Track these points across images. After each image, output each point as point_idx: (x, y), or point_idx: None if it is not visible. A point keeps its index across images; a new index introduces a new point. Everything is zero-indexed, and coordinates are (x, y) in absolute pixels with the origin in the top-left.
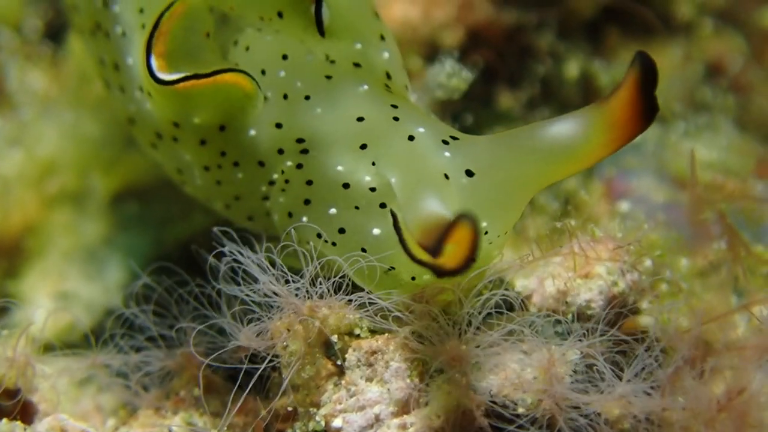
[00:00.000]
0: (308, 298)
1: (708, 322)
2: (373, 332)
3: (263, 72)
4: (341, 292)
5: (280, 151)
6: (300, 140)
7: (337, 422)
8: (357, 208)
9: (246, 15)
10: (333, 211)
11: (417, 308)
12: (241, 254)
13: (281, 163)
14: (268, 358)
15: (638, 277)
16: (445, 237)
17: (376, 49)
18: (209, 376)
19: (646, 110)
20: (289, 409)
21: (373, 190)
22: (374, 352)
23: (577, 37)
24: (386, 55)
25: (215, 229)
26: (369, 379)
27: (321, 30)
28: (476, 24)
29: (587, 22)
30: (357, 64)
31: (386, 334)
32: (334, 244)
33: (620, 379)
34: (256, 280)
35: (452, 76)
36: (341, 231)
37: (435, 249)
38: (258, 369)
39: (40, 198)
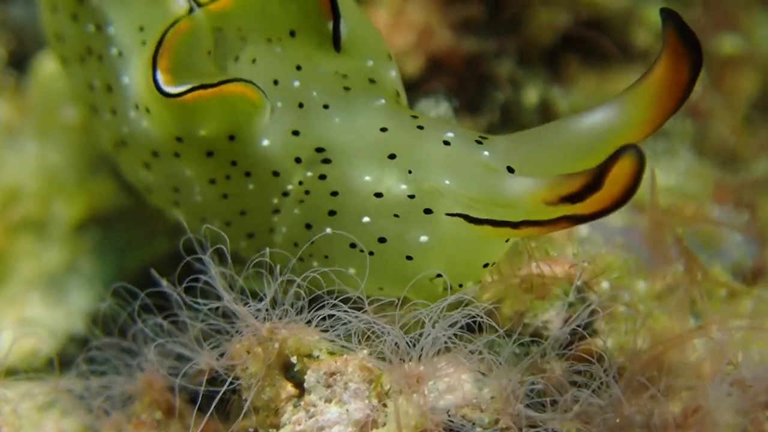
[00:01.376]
0: (268, 319)
1: (665, 343)
2: (332, 353)
3: (275, 82)
4: (302, 313)
5: (298, 160)
6: (320, 149)
7: None
8: (396, 216)
9: (252, 36)
10: (366, 219)
11: (377, 329)
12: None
13: (299, 173)
14: (229, 380)
15: (596, 299)
16: (604, 171)
17: (385, 67)
18: (170, 399)
19: (693, 66)
20: (250, 430)
21: (411, 197)
22: (333, 374)
23: (536, 64)
24: (393, 74)
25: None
26: (328, 400)
27: (338, 46)
28: (436, 51)
29: (546, 50)
30: (372, 80)
31: (345, 356)
32: (371, 253)
33: (577, 398)
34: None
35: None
36: (381, 240)
37: (593, 184)
38: (219, 391)
39: (3, 225)
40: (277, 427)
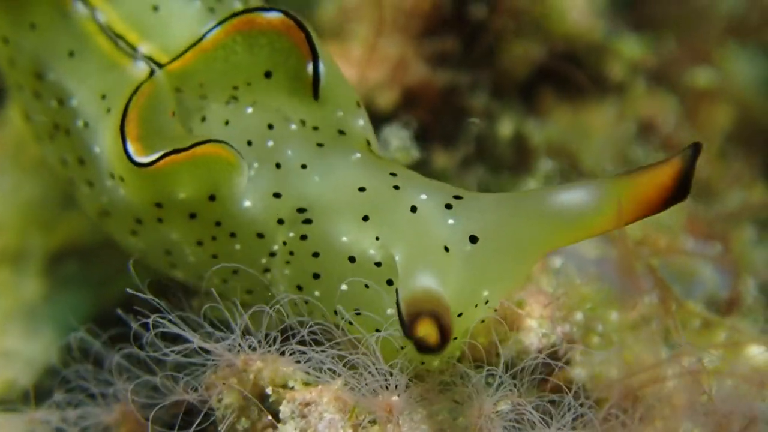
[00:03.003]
0: (241, 351)
1: (638, 374)
2: (307, 384)
3: (249, 143)
4: (275, 344)
5: (280, 221)
6: (301, 210)
7: None
8: (366, 287)
9: (216, 92)
10: (344, 288)
11: (351, 359)
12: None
13: (282, 234)
14: (204, 411)
15: (570, 330)
16: (419, 315)
17: (354, 116)
18: (146, 430)
19: (678, 196)
20: None
21: (378, 265)
22: (308, 404)
23: (510, 97)
24: (362, 122)
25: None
26: (303, 431)
27: (316, 92)
28: (411, 85)
29: (521, 83)
30: (341, 132)
31: (320, 386)
32: (351, 323)
33: (549, 426)
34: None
35: (401, 150)
36: (357, 312)
37: (409, 325)
38: (194, 423)
39: None
40: None
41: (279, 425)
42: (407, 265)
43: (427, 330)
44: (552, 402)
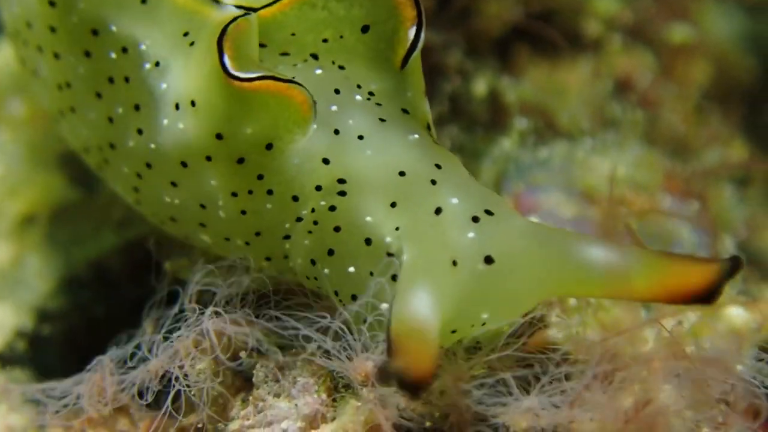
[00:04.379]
0: (216, 315)
1: (616, 336)
2: (281, 348)
3: (314, 102)
4: (247, 307)
5: (318, 188)
6: (341, 180)
7: None
8: (371, 274)
9: (304, 40)
10: (351, 269)
11: (325, 323)
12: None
13: (315, 201)
14: (176, 375)
15: None
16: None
17: (421, 99)
18: (119, 395)
19: (703, 302)
20: (199, 426)
21: (390, 255)
22: (282, 368)
23: (485, 55)
24: (427, 107)
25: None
26: (277, 395)
27: (406, 60)
28: None
29: (495, 41)
30: (405, 111)
31: (294, 350)
32: (343, 305)
33: (528, 392)
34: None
35: None
36: (353, 297)
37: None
38: (168, 387)
39: None
40: (226, 421)
41: (252, 389)
42: (409, 273)
43: (407, 367)
44: (529, 365)
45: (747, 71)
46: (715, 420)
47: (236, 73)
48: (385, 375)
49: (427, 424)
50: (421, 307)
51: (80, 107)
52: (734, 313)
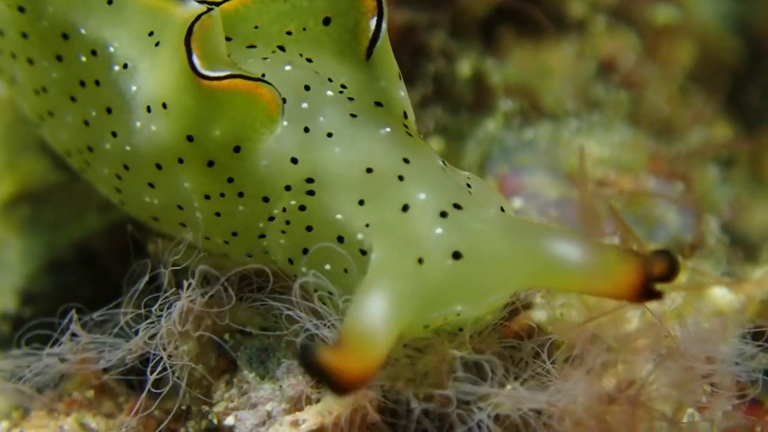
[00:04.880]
0: (201, 296)
1: (600, 317)
2: (264, 329)
3: (284, 101)
4: (231, 289)
5: (287, 188)
6: (310, 180)
7: (229, 420)
8: (346, 271)
9: (269, 33)
10: (328, 267)
11: (309, 305)
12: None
13: (285, 200)
14: (160, 357)
15: None
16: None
17: (395, 87)
18: (102, 377)
19: (642, 297)
20: (183, 408)
21: (363, 253)
22: (266, 350)
23: (469, 36)
24: (402, 93)
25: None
26: (261, 377)
27: (370, 52)
28: None
29: (480, 21)
30: (378, 104)
31: (278, 332)
32: (324, 302)
33: (511, 374)
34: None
35: None
36: (330, 294)
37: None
38: (152, 370)
39: None
40: (210, 404)
41: (237, 371)
42: (373, 273)
43: (343, 368)
44: (513, 347)
45: (731, 52)
46: (699, 401)
47: (205, 72)
48: (313, 365)
49: (412, 405)
50: (375, 314)
51: (57, 111)
52: (718, 294)
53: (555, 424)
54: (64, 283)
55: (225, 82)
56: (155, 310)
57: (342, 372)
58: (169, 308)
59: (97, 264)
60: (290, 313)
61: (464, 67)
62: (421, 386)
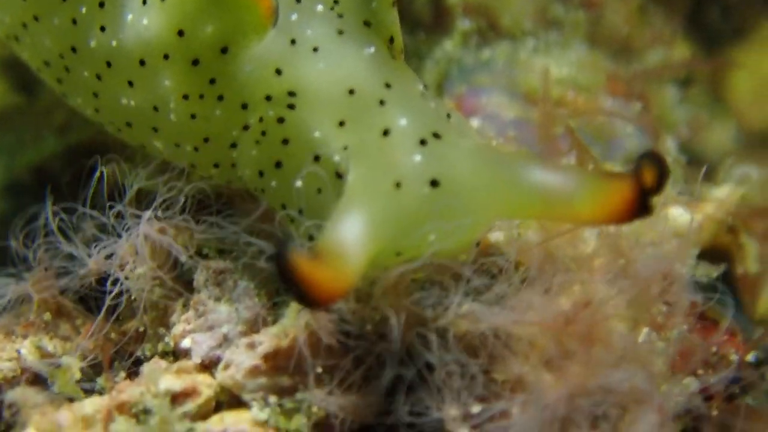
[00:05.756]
0: (157, 219)
1: (557, 237)
2: (221, 252)
3: (277, 9)
4: (188, 212)
5: (268, 98)
6: (291, 93)
7: (185, 342)
8: (319, 191)
9: None
10: (299, 184)
11: (267, 228)
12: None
13: (263, 110)
14: (114, 279)
15: None
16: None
17: (386, 10)
18: (60, 300)
19: (638, 212)
20: (140, 330)
21: (338, 176)
22: (222, 272)
23: None
24: (392, 18)
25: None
26: (217, 299)
27: None
28: None
29: None
30: (367, 23)
31: (234, 253)
32: (292, 221)
33: (468, 295)
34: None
35: None
36: (301, 213)
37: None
38: (108, 292)
39: None
40: (167, 326)
41: (193, 293)
42: (350, 194)
43: (316, 284)
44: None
45: None
46: (655, 320)
47: None
48: (287, 270)
49: (368, 327)
50: (351, 232)
51: (44, 15)
52: (676, 214)
53: (512, 344)
54: (22, 205)
55: None
56: (111, 231)
57: (314, 284)
58: (126, 230)
59: (54, 187)
60: (248, 237)
61: None
62: (378, 308)
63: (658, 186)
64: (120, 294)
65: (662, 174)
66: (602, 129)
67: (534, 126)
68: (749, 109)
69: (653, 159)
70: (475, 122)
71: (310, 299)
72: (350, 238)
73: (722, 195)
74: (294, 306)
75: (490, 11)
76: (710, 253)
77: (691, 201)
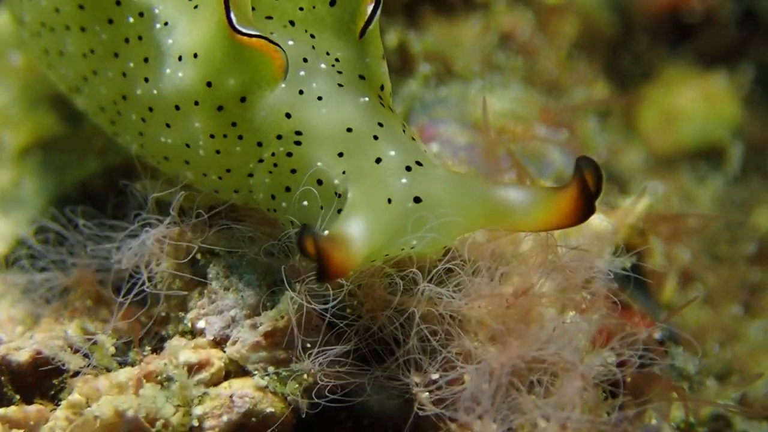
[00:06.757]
0: (177, 224)
1: (500, 238)
2: (230, 251)
3: (288, 67)
4: (203, 218)
5: (279, 137)
6: (298, 132)
7: (200, 323)
8: (322, 208)
9: (284, 7)
10: (305, 203)
11: (266, 231)
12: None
13: (275, 146)
14: (145, 274)
15: None
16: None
17: (378, 64)
18: (99, 290)
19: (585, 213)
20: (163, 314)
21: (338, 195)
22: (230, 267)
23: (396, 14)
24: (383, 69)
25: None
26: (226, 289)
27: (364, 31)
28: None
29: (404, 4)
30: (362, 77)
31: (240, 251)
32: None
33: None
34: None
35: None
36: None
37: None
38: (138, 284)
39: None
40: (186, 311)
41: (207, 285)
42: (352, 206)
43: (330, 255)
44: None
45: (608, 25)
46: (579, 305)
47: (240, 28)
48: (310, 250)
49: (348, 311)
50: (355, 231)
51: (101, 69)
52: (597, 220)
53: (465, 324)
54: (68, 215)
55: (254, 39)
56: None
57: (329, 259)
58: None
59: (95, 200)
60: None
61: (392, 38)
62: (356, 295)
63: (598, 187)
64: (148, 285)
65: (599, 176)
66: (536, 151)
67: (481, 149)
68: (655, 136)
69: (589, 163)
70: (434, 147)
71: (324, 269)
72: (356, 234)
73: (633, 205)
74: (288, 293)
75: (446, 58)
76: (624, 252)
77: (609, 210)
